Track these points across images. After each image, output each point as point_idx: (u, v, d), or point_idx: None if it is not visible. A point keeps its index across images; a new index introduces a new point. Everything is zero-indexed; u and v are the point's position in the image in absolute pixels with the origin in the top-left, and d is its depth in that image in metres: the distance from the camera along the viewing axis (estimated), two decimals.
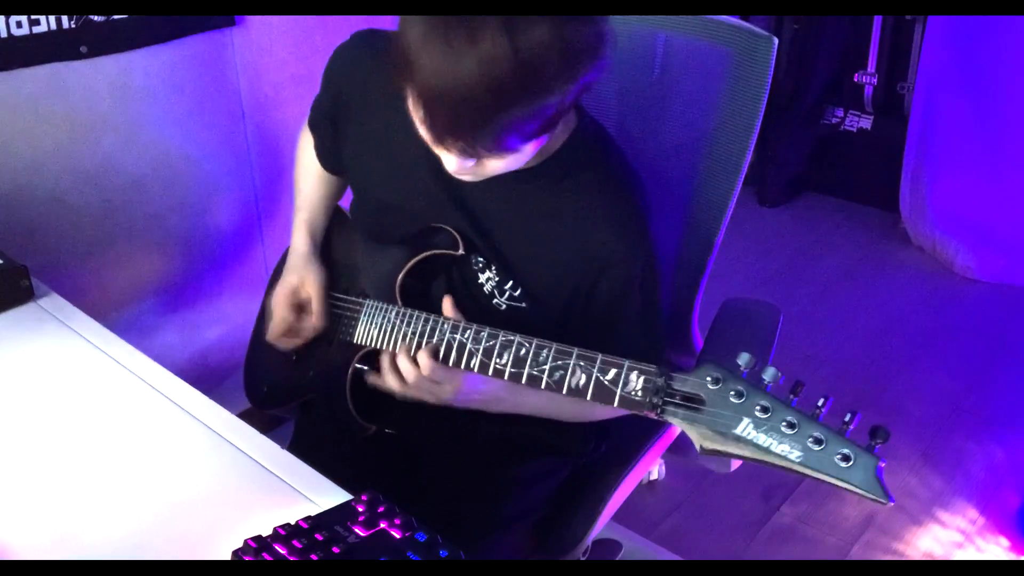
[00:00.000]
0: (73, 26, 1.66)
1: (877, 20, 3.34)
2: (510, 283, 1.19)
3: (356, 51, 1.29)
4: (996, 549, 2.04)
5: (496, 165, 1.03)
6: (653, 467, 2.12)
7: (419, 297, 1.22)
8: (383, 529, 0.90)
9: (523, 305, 1.19)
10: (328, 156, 1.38)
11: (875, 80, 3.40)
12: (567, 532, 1.33)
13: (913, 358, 2.71)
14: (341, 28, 1.32)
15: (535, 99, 0.93)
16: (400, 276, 1.20)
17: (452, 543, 0.88)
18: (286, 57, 2.03)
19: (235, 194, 2.06)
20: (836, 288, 3.09)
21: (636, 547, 1.99)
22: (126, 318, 1.93)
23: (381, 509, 0.92)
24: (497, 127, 0.94)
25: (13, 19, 1.59)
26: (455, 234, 1.19)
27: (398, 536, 0.89)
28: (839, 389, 2.56)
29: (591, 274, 1.14)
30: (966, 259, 3.12)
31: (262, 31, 1.97)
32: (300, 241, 1.38)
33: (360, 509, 0.92)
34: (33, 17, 1.61)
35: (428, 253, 1.20)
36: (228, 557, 0.89)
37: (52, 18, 1.64)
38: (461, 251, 1.18)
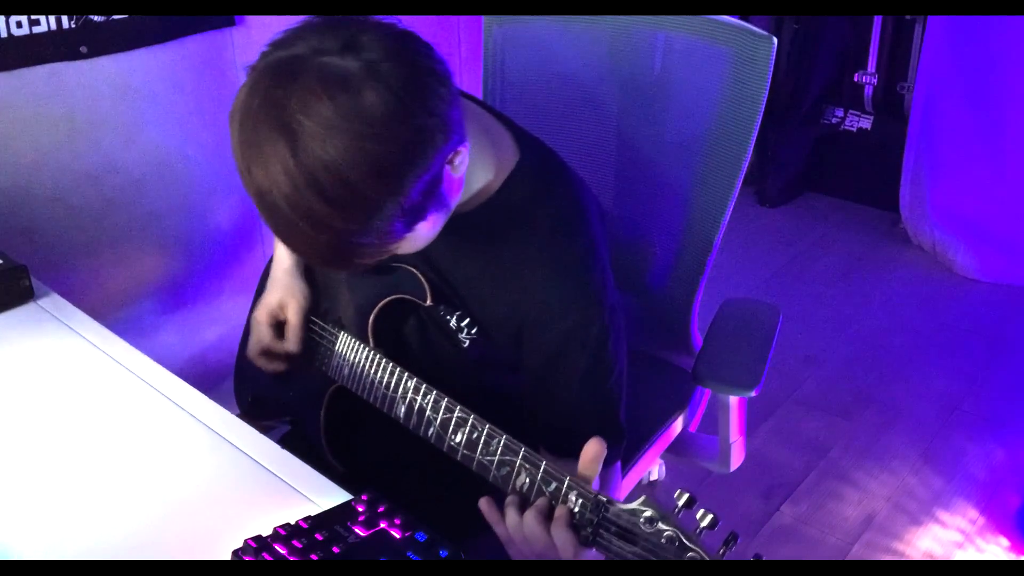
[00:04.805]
0: (73, 26, 1.66)
1: (877, 20, 3.33)
2: (467, 320, 1.16)
3: None
4: (996, 549, 2.04)
5: (395, 247, 0.95)
6: (653, 467, 2.12)
7: (391, 333, 1.20)
8: (383, 529, 0.90)
9: (481, 339, 1.17)
10: None
11: (875, 80, 3.40)
12: None
13: (913, 358, 2.71)
14: None
15: (359, 220, 0.84)
16: (371, 317, 1.18)
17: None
18: None
19: (235, 194, 2.06)
20: (836, 288, 3.08)
21: None
22: (126, 318, 1.93)
23: (381, 509, 0.92)
24: (337, 247, 0.87)
25: (13, 19, 1.59)
26: (424, 283, 1.14)
27: (398, 536, 0.89)
28: (839, 389, 2.56)
29: (529, 323, 1.09)
30: (966, 259, 3.11)
31: (262, 31, 1.96)
32: (283, 252, 1.34)
33: (360, 509, 0.93)
34: (33, 17, 1.61)
35: (396, 296, 1.17)
36: (228, 557, 0.89)
37: (52, 18, 1.64)
38: (429, 301, 1.15)
